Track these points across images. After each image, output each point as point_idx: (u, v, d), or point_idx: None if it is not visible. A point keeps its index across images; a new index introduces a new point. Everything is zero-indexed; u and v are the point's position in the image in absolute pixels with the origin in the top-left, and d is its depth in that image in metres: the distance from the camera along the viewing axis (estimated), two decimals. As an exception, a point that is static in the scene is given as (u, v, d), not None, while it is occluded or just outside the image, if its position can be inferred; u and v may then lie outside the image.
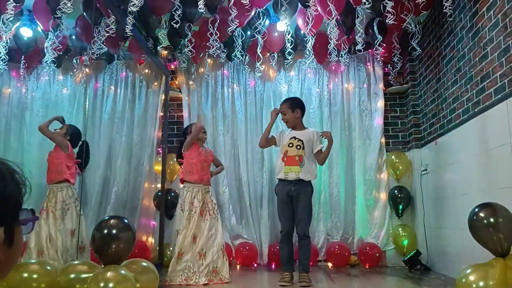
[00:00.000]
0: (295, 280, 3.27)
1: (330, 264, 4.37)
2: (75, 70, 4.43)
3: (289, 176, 3.31)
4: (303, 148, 3.34)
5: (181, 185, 3.65)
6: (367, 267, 4.29)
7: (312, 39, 3.69)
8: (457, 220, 3.38)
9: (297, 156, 3.32)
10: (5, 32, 3.50)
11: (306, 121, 4.66)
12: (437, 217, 3.93)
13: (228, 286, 3.29)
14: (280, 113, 3.47)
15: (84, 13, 3.69)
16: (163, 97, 4.74)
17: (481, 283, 2.05)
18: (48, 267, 2.48)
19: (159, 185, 4.56)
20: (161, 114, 4.75)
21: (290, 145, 3.36)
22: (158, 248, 4.31)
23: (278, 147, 3.48)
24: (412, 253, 4.09)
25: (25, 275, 2.34)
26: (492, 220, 2.17)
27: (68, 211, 3.50)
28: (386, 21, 3.39)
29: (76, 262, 2.59)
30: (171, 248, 4.31)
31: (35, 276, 2.36)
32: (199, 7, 3.23)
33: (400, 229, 4.41)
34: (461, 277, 2.14)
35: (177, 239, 3.42)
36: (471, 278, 2.09)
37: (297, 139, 3.37)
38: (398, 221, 4.49)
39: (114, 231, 2.39)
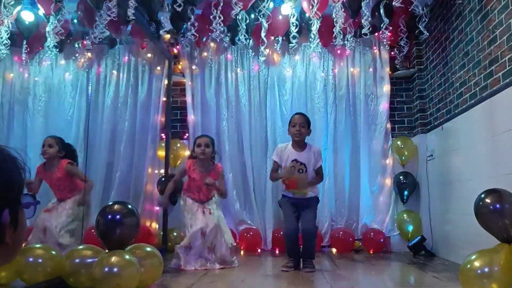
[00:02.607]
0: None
1: (334, 250, 4.37)
2: (77, 55, 4.40)
3: (295, 195, 3.29)
4: (306, 171, 3.27)
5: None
6: (371, 252, 4.30)
7: (317, 22, 3.63)
8: (463, 206, 3.36)
9: None
10: (7, 16, 3.46)
11: (310, 106, 4.67)
12: (442, 203, 3.91)
13: (234, 270, 3.32)
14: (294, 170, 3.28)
15: (86, -3, 3.64)
16: (166, 82, 4.69)
17: (486, 269, 2.05)
18: (53, 252, 2.50)
19: (162, 171, 4.56)
20: (164, 99, 4.72)
21: (292, 168, 3.27)
22: (162, 233, 4.32)
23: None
24: (417, 239, 4.08)
25: (31, 259, 2.37)
26: (498, 206, 2.16)
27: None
28: (393, 3, 3.33)
29: (81, 246, 2.60)
30: (175, 234, 4.34)
31: (40, 260, 2.38)
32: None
33: (405, 215, 4.41)
34: (466, 263, 2.14)
35: (187, 229, 3.42)
36: (476, 263, 2.09)
37: (299, 163, 3.27)
38: (403, 206, 4.48)
39: (118, 217, 2.40)
